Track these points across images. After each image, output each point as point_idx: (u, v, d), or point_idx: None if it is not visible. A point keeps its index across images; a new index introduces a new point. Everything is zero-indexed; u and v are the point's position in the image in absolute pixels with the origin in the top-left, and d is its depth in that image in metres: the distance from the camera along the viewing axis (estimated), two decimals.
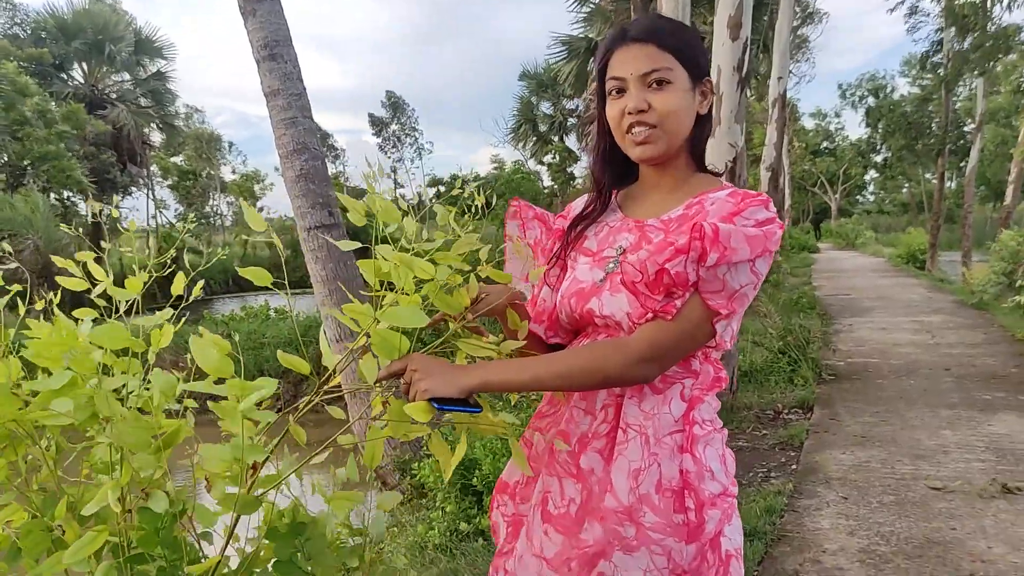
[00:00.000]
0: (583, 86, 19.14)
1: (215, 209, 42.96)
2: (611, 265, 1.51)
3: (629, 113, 1.46)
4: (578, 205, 1.70)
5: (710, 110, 1.56)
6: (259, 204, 44.56)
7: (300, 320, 12.82)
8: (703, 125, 1.55)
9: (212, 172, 39.87)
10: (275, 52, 5.73)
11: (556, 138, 30.39)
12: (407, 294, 1.36)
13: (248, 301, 20.16)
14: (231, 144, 47.49)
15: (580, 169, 30.16)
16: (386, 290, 1.38)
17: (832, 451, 5.30)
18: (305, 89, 5.88)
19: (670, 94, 1.46)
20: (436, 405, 1.30)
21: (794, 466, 5.09)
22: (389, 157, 46.56)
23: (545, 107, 31.06)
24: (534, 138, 30.87)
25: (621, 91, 1.49)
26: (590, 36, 17.61)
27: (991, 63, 14.80)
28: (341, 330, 5.79)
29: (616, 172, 1.63)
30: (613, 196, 1.66)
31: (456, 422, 1.38)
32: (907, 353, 8.76)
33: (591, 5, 17.44)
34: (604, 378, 1.37)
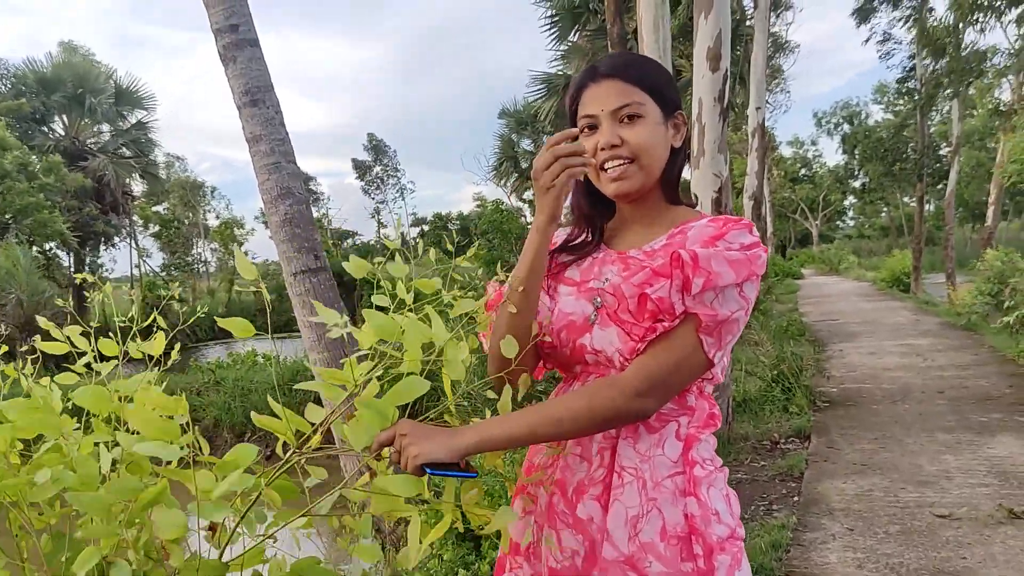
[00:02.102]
0: (563, 123, 19.25)
1: (199, 256, 42.82)
2: (599, 300, 1.47)
3: (602, 149, 1.44)
4: (559, 235, 1.66)
5: (684, 143, 1.54)
6: (243, 249, 44.37)
7: (288, 365, 12.69)
8: (677, 158, 1.53)
9: (195, 219, 39.77)
10: (256, 98, 5.70)
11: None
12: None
13: (235, 348, 19.98)
14: (214, 189, 47.51)
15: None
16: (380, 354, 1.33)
17: (833, 480, 5.23)
18: (288, 134, 5.85)
19: (642, 128, 1.44)
20: (429, 471, 1.24)
21: (796, 497, 5.01)
22: (372, 199, 46.71)
23: (526, 144, 31.25)
24: (515, 175, 31.01)
25: (593, 127, 1.47)
26: (568, 73, 17.75)
27: (965, 85, 15.02)
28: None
29: (594, 212, 1.60)
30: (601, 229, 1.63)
31: (444, 502, 1.33)
32: (899, 377, 8.74)
33: (569, 43, 17.60)
34: (601, 418, 1.32)
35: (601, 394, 1.31)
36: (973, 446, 5.79)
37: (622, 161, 1.44)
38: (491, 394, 1.47)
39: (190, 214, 39.10)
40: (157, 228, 37.02)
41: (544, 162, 1.37)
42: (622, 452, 1.38)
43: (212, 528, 1.29)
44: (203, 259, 43.63)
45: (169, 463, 1.29)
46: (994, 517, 4.31)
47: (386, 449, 1.31)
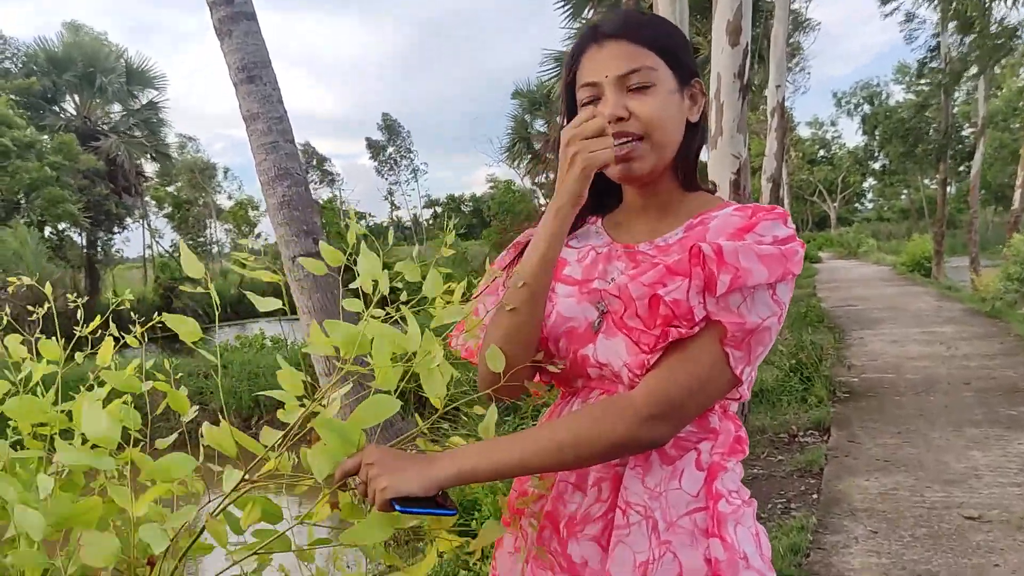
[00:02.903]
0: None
1: (211, 237, 42.78)
2: (604, 304, 1.23)
3: (608, 122, 1.18)
4: None
5: (702, 117, 1.29)
6: (257, 230, 44.36)
7: (294, 349, 12.52)
8: (694, 135, 1.28)
9: (207, 200, 39.71)
10: (253, 74, 5.47)
11: (551, 156, 30.17)
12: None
13: (244, 330, 19.86)
14: (227, 170, 47.38)
15: None
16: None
17: (855, 478, 4.97)
18: (286, 113, 5.62)
19: (654, 98, 1.19)
20: (399, 508, 1.02)
21: (815, 495, 4.76)
22: (386, 180, 46.55)
23: (539, 125, 30.87)
24: (529, 156, 30.63)
25: (595, 99, 1.22)
26: None
27: (993, 62, 14.56)
28: (330, 364, 5.49)
29: (595, 197, 1.30)
30: (598, 221, 1.38)
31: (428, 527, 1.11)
32: (923, 367, 8.44)
33: (583, 21, 17.25)
34: (606, 447, 1.08)
35: (607, 418, 1.07)
36: (1003, 442, 5.51)
37: (629, 138, 1.19)
38: (480, 409, 1.24)
39: (201, 195, 39.03)
40: (169, 209, 36.97)
41: (588, 130, 1.14)
42: (629, 486, 1.13)
43: (151, 563, 1.08)
44: (215, 240, 43.64)
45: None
46: None
47: (352, 478, 1.10)
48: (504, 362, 1.16)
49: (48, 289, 1.40)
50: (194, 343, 1.19)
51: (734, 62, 5.61)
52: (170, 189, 37.59)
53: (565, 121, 1.28)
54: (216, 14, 5.46)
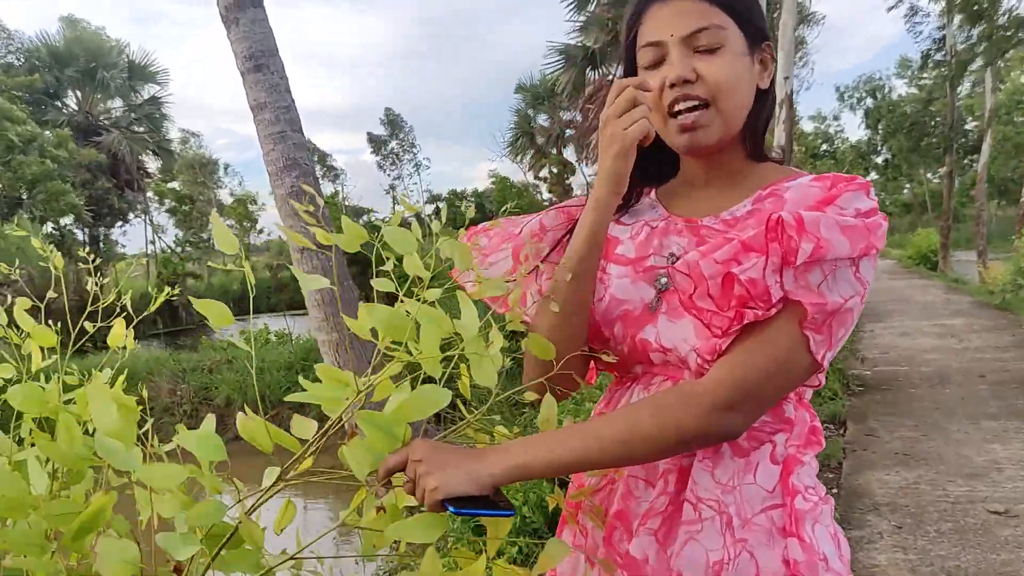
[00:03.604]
0: (580, 96, 18.83)
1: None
2: (664, 280, 1.14)
3: (671, 85, 1.10)
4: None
5: (772, 84, 1.19)
6: (259, 226, 44.28)
7: (299, 343, 12.46)
8: (764, 102, 1.18)
9: (209, 195, 39.59)
10: (260, 63, 5.38)
11: (554, 150, 30.06)
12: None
13: (246, 325, 19.77)
14: (227, 166, 47.25)
15: (579, 181, 29.87)
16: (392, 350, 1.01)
17: (875, 472, 4.88)
18: (294, 101, 5.53)
19: (723, 61, 1.10)
20: (451, 508, 0.93)
21: (835, 490, 4.67)
22: (388, 175, 46.43)
23: (542, 119, 30.75)
24: (532, 151, 30.51)
25: (658, 61, 1.13)
26: (587, 45, 17.30)
27: (1001, 54, 14.43)
28: (339, 358, 5.41)
29: (647, 167, 1.23)
30: (652, 193, 1.29)
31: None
32: (935, 359, 8.35)
33: (587, 13, 17.14)
34: (676, 439, 0.99)
35: (675, 409, 0.98)
36: (1022, 435, 5.43)
37: (695, 102, 1.10)
38: (530, 396, 1.15)
39: (203, 191, 38.93)
40: (172, 204, 36.87)
41: (619, 108, 1.06)
42: (698, 479, 1.05)
43: (177, 570, 0.99)
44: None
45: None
46: None
47: (397, 475, 1.00)
48: (553, 351, 1.08)
49: (54, 283, 1.31)
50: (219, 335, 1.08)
51: None
52: (172, 185, 37.48)
53: (625, 75, 1.20)
54: (223, 2, 5.37)
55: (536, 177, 28.01)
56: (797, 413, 1.10)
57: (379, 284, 1.04)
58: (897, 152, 27.30)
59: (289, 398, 1.03)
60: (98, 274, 1.34)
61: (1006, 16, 13.59)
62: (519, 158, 30.97)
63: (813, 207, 1.00)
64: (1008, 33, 13.65)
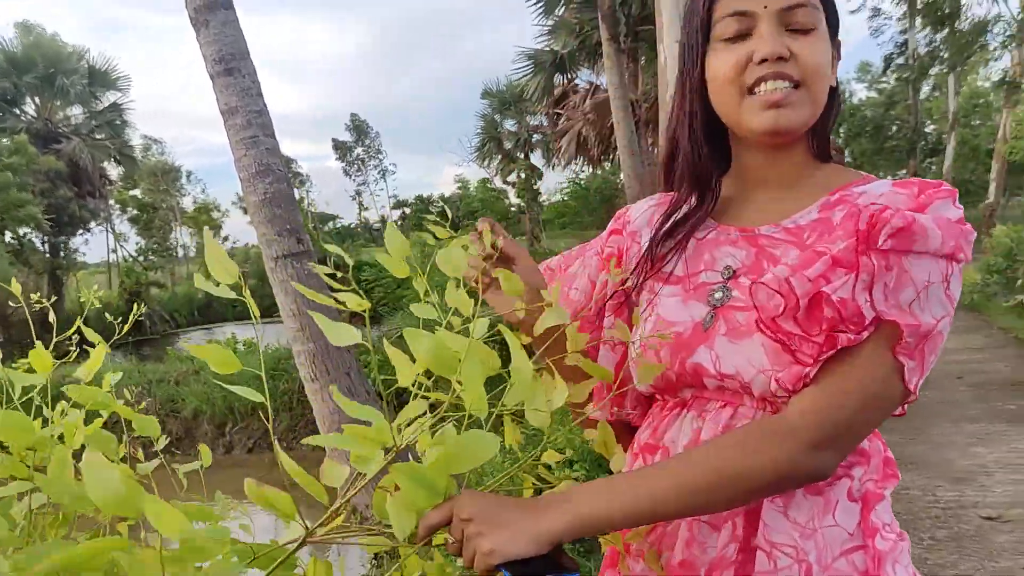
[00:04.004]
0: (549, 100, 18.78)
1: (177, 240, 42.03)
2: (718, 295, 1.02)
3: (762, 61, 0.97)
4: (639, 212, 1.22)
5: (838, 83, 1.08)
6: (222, 233, 43.69)
7: (269, 353, 12.20)
8: (834, 99, 1.06)
9: (172, 203, 38.98)
10: (231, 66, 5.22)
11: (521, 155, 29.99)
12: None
13: (215, 334, 19.42)
14: (190, 173, 46.51)
15: (545, 185, 29.84)
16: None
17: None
18: (266, 106, 5.37)
19: (819, 43, 0.99)
20: (508, 573, 0.81)
21: None
22: (353, 181, 46.11)
23: (509, 124, 30.66)
24: (499, 156, 30.41)
25: (743, 35, 1.00)
26: (555, 49, 17.24)
27: (964, 58, 14.62)
28: (315, 368, 5.25)
29: (716, 156, 1.11)
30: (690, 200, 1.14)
31: None
32: None
33: (555, 18, 17.08)
34: (764, 483, 0.88)
35: (764, 448, 0.86)
36: (1006, 437, 5.43)
37: (787, 82, 0.98)
38: (589, 433, 1.03)
39: (166, 198, 38.31)
40: (134, 212, 36.23)
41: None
42: (770, 522, 0.92)
43: None
44: (181, 243, 42.89)
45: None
46: None
47: (441, 533, 0.87)
48: (612, 374, 0.99)
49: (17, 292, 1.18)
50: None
51: None
52: (135, 192, 36.83)
53: (697, 69, 1.06)
54: (192, 3, 5.20)
55: (504, 182, 27.88)
56: (872, 444, 0.99)
57: (419, 310, 0.90)
58: (860, 155, 27.57)
59: (308, 440, 0.90)
60: (58, 283, 1.21)
61: (968, 22, 13.78)
62: (486, 163, 30.84)
63: None
64: (970, 38, 13.84)
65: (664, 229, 1.12)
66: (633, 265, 1.15)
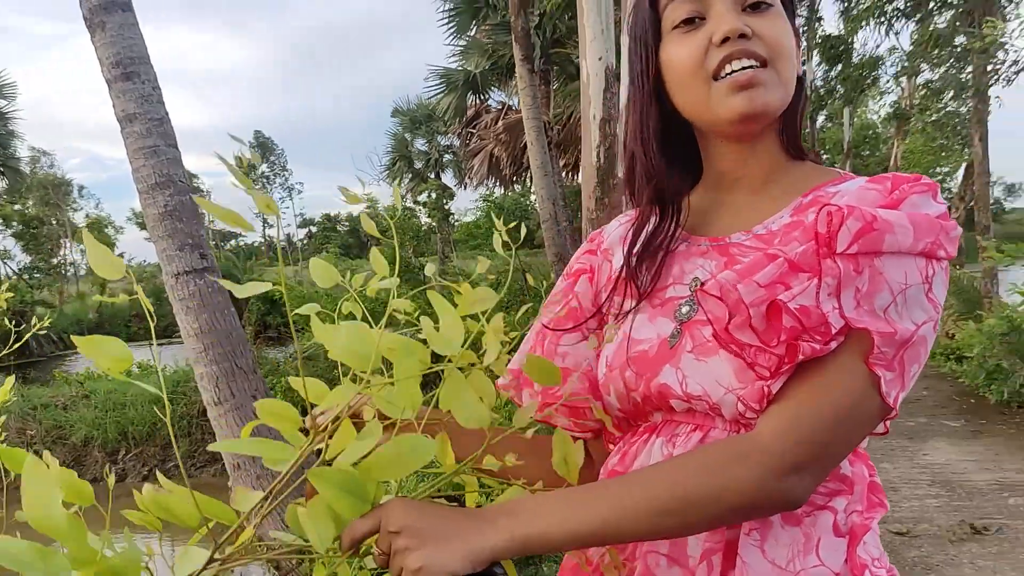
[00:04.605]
0: (462, 120, 18.76)
1: (66, 258, 40.11)
2: (685, 309, 0.93)
3: (722, 42, 0.89)
4: (612, 230, 1.12)
5: (803, 71, 1.00)
6: (116, 251, 41.98)
7: (167, 376, 11.65)
8: (801, 89, 0.98)
9: (62, 218, 37.18)
10: (130, 71, 4.92)
11: (432, 174, 29.93)
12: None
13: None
14: (81, 188, 44.51)
15: (456, 205, 29.80)
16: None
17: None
18: (168, 114, 5.09)
19: (779, 21, 0.92)
20: None
21: None
22: None
23: (420, 144, 30.61)
24: (409, 175, 30.31)
25: (697, 19, 0.92)
26: (468, 69, 17.25)
27: (858, 93, 15.31)
28: (219, 392, 4.97)
29: (680, 168, 1.03)
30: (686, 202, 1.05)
31: None
32: None
33: (468, 38, 17.11)
34: (727, 508, 0.77)
35: (728, 470, 0.77)
36: (908, 452, 5.59)
37: (755, 61, 0.89)
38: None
39: (55, 213, 36.53)
40: (19, 228, 34.37)
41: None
42: (748, 559, 0.82)
43: None
44: (71, 261, 40.95)
45: None
46: (956, 533, 4.04)
47: (368, 541, 0.77)
48: (559, 377, 0.86)
49: None
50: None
51: None
52: (20, 207, 34.98)
53: (652, 68, 0.97)
54: (87, 3, 4.88)
55: (414, 201, 27.69)
56: (855, 469, 0.90)
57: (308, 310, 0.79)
58: None
59: (214, 447, 0.78)
60: None
61: (860, 58, 14.44)
62: (396, 182, 30.67)
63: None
64: (863, 72, 14.49)
65: (638, 247, 1.02)
66: (606, 283, 1.06)
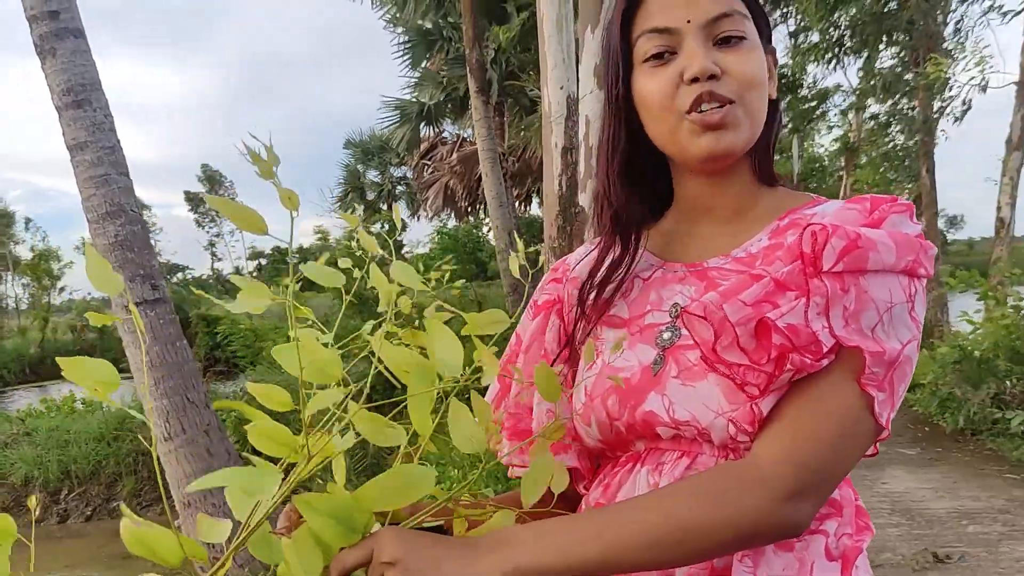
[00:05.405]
0: (416, 151, 18.78)
1: (7, 291, 39.03)
2: (667, 335, 0.91)
3: (692, 80, 0.88)
4: (578, 259, 1.11)
5: (778, 96, 1.00)
6: (59, 284, 40.91)
7: (112, 414, 11.31)
8: (775, 114, 0.99)
9: (2, 252, 36.21)
10: (81, 98, 4.81)
11: (385, 206, 29.88)
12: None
13: (50, 392, 17.89)
14: (28, 220, 43.41)
15: (409, 238, 29.79)
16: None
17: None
18: (119, 142, 4.98)
19: (750, 54, 0.91)
20: None
21: None
22: (207, 232, 44.58)
23: (372, 175, 30.57)
24: (362, 207, 30.21)
25: (667, 53, 0.91)
26: (422, 101, 17.30)
27: (806, 124, 15.71)
28: (170, 427, 4.82)
29: (645, 197, 1.04)
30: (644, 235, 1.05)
31: None
32: None
33: (422, 70, 17.17)
34: (729, 537, 0.75)
35: (729, 497, 0.75)
36: (867, 481, 5.63)
37: (721, 103, 0.88)
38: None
39: None
40: None
41: None
42: None
43: None
44: (12, 295, 39.83)
45: None
46: (919, 562, 4.05)
47: (355, 574, 0.74)
48: (559, 393, 0.84)
49: None
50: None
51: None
52: None
53: (623, 98, 0.97)
54: (37, 30, 4.77)
55: (367, 232, 27.64)
56: (843, 492, 0.89)
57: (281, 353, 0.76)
58: None
59: (193, 488, 0.73)
60: None
61: (809, 90, 14.85)
62: (349, 213, 30.58)
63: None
64: (812, 104, 14.90)
65: (597, 277, 1.02)
66: (576, 312, 1.05)
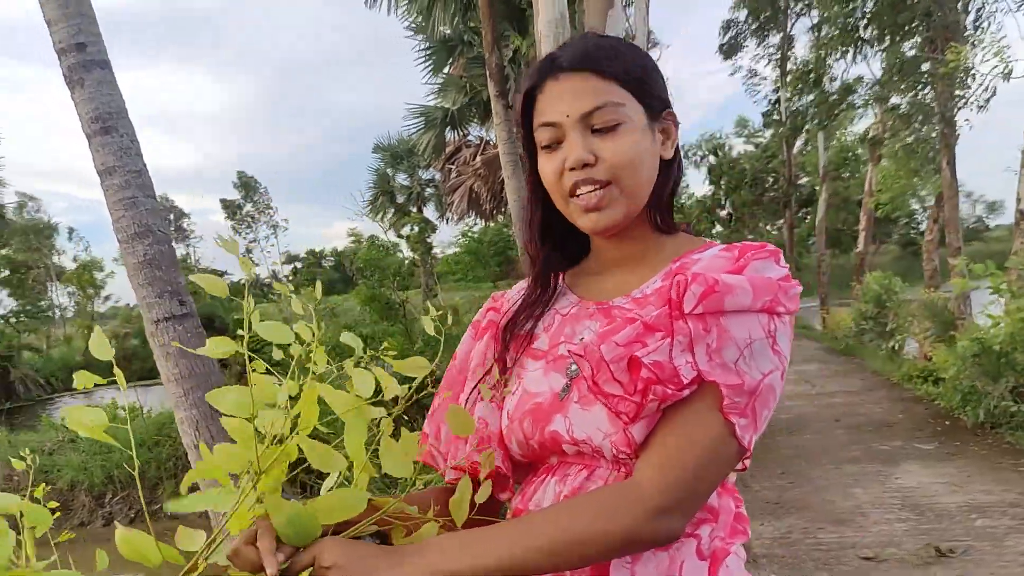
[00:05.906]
0: (441, 156, 18.93)
1: (54, 300, 39.96)
2: (574, 367, 1.07)
3: (571, 169, 1.06)
4: (515, 292, 1.29)
5: (677, 151, 1.16)
6: (104, 293, 41.83)
7: (152, 419, 11.67)
8: (669, 172, 1.15)
9: (46, 263, 37.11)
10: (108, 125, 5.04)
11: (414, 208, 30.08)
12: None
13: (94, 399, 18.41)
14: (71, 231, 44.47)
15: (439, 238, 29.99)
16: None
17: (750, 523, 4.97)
18: (146, 166, 5.21)
19: (623, 138, 1.06)
20: None
21: None
22: (244, 237, 45.22)
23: (401, 178, 30.77)
24: (392, 209, 30.43)
25: (556, 142, 1.09)
26: (445, 106, 17.43)
27: (831, 117, 15.62)
28: (200, 435, 5.05)
29: (560, 247, 1.23)
30: (560, 278, 1.24)
31: None
32: (792, 406, 8.71)
33: (444, 75, 17.30)
34: (613, 546, 0.91)
35: (615, 512, 0.90)
36: (881, 477, 5.69)
37: (597, 186, 1.06)
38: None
39: (40, 257, 36.47)
40: (6, 273, 34.30)
41: None
42: None
43: None
44: (58, 304, 40.78)
45: None
46: (921, 557, 4.14)
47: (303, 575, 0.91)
48: (473, 427, 1.06)
49: None
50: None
51: None
52: (5, 251, 34.92)
53: (529, 172, 1.17)
54: (65, 62, 5.02)
55: (397, 235, 27.84)
56: (721, 501, 1.04)
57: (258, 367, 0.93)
58: (741, 206, 28.86)
59: (170, 509, 0.94)
60: None
61: (834, 83, 14.77)
62: (379, 217, 30.77)
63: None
64: (836, 98, 14.81)
65: (514, 315, 1.21)
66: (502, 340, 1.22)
